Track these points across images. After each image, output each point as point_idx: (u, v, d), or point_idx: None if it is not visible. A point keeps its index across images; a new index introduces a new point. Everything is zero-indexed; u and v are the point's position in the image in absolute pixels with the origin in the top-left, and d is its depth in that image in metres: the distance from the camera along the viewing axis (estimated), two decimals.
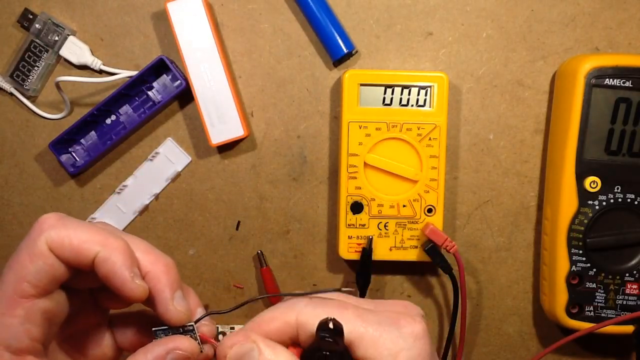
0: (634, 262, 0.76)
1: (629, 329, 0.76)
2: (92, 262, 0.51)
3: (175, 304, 0.55)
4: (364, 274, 0.79)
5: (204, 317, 0.58)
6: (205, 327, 0.58)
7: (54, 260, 0.50)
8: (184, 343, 0.54)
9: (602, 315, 0.77)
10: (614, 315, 0.77)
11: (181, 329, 0.56)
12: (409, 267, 0.81)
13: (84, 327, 0.58)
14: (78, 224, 0.52)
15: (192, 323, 0.57)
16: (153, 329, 0.56)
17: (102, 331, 0.59)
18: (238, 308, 0.60)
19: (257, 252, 0.83)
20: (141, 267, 0.54)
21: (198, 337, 0.56)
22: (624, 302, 0.77)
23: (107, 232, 0.52)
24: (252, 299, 0.62)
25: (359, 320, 0.51)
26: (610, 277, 0.77)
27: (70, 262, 0.51)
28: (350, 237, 0.78)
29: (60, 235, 0.50)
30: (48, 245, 0.50)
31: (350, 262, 0.83)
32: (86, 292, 0.57)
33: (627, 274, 0.76)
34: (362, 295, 0.80)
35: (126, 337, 0.59)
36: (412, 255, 0.78)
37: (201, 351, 0.56)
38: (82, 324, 0.58)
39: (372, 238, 0.77)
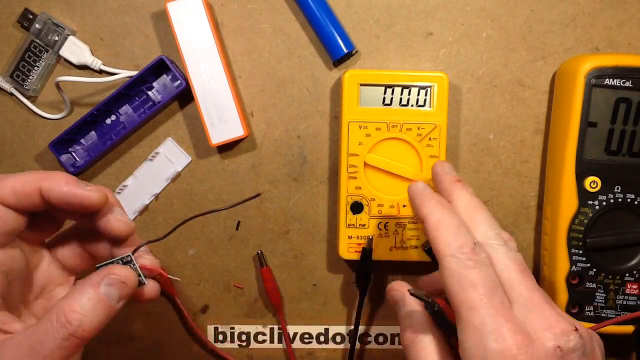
0: (634, 262, 0.76)
1: (629, 329, 0.76)
2: (41, 196, 0.55)
3: (116, 214, 0.59)
4: (364, 274, 0.79)
5: (140, 247, 0.61)
6: (146, 260, 0.61)
7: (2, 209, 0.55)
8: (118, 269, 0.57)
9: (602, 315, 0.77)
10: (614, 315, 0.77)
11: (120, 261, 0.59)
12: (409, 267, 0.81)
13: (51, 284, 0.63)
14: (16, 174, 0.56)
15: (129, 253, 0.59)
16: (96, 265, 0.60)
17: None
18: (172, 232, 0.62)
19: (257, 252, 0.83)
20: None
21: (138, 268, 0.59)
22: (624, 302, 0.77)
23: (41, 171, 0.58)
24: (186, 219, 0.63)
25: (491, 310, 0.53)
26: (610, 277, 0.76)
27: (21, 206, 0.55)
28: (350, 237, 0.78)
29: (2, 185, 0.55)
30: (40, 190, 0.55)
31: (350, 262, 0.83)
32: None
33: (627, 274, 0.76)
34: (363, 295, 0.80)
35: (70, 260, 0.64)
36: (412, 255, 0.78)
37: (142, 282, 0.59)
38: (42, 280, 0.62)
39: (372, 238, 0.77)
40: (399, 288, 0.68)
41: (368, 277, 0.80)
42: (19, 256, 0.58)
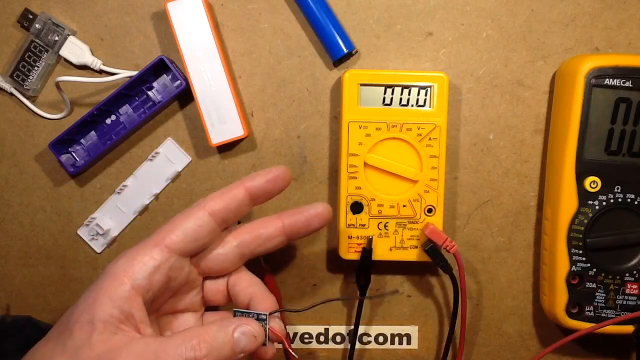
0: (634, 262, 0.77)
1: (629, 329, 0.76)
2: (249, 197, 0.67)
3: None
4: (364, 274, 0.79)
5: (277, 311, 0.66)
6: (275, 324, 0.66)
7: (207, 219, 0.64)
8: (254, 324, 0.62)
9: (602, 315, 0.77)
10: (614, 315, 0.77)
11: (256, 315, 0.64)
12: (409, 267, 0.81)
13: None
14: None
15: (266, 313, 0.64)
16: (234, 309, 0.65)
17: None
18: (312, 308, 0.67)
19: None
20: None
21: (267, 329, 0.64)
22: (624, 302, 0.77)
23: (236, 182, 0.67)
24: (328, 300, 0.71)
25: None
26: (610, 277, 0.77)
27: (228, 215, 0.65)
28: (350, 237, 0.78)
29: (214, 197, 0.66)
30: (207, 209, 0.64)
31: (350, 262, 0.82)
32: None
33: (627, 274, 0.76)
34: (363, 295, 0.80)
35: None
36: (412, 255, 0.78)
37: (265, 343, 0.64)
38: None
39: (372, 238, 0.77)
40: None
41: (368, 277, 0.80)
42: (186, 273, 0.66)
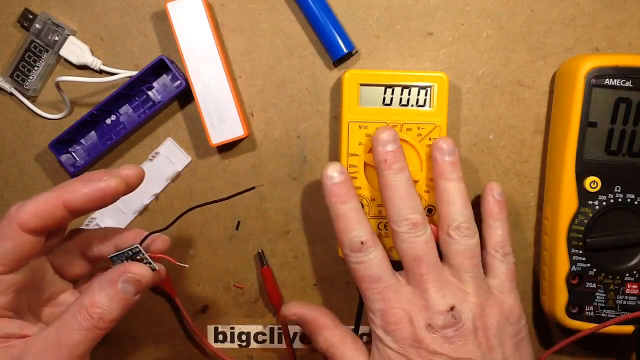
0: (634, 262, 0.76)
1: (629, 329, 0.76)
2: (65, 209, 0.59)
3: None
4: None
5: (145, 238, 0.64)
6: (159, 245, 0.67)
7: (25, 238, 0.58)
8: (134, 267, 0.62)
9: (602, 315, 0.77)
10: (614, 315, 0.77)
11: (130, 252, 0.63)
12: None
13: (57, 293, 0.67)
14: (32, 199, 0.59)
15: (137, 245, 0.63)
16: (109, 256, 0.65)
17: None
18: (175, 222, 0.66)
19: (258, 252, 0.83)
20: None
21: (148, 257, 0.64)
22: (624, 302, 0.77)
23: (53, 188, 0.60)
24: (190, 208, 0.68)
25: None
26: (610, 277, 0.76)
27: (45, 227, 0.59)
28: None
29: (26, 211, 0.58)
30: (18, 225, 0.58)
31: None
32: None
33: (627, 274, 0.76)
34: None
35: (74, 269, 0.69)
36: None
37: (154, 269, 0.64)
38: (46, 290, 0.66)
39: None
40: (295, 311, 0.76)
41: None
42: (29, 272, 0.62)
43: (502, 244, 0.72)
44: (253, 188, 0.72)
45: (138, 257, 0.64)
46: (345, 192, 0.70)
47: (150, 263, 0.64)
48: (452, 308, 0.64)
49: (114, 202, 0.62)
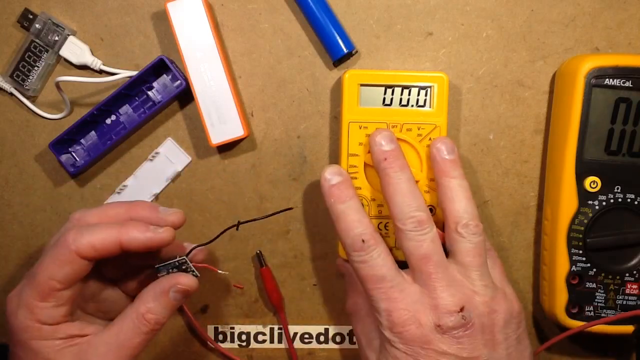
0: (634, 262, 0.77)
1: (629, 329, 0.76)
2: (120, 249, 0.64)
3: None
4: None
5: (192, 250, 0.69)
6: (199, 255, 0.71)
7: (81, 263, 0.63)
8: (183, 279, 0.67)
9: (602, 315, 0.77)
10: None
11: (177, 263, 0.68)
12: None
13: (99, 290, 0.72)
14: (92, 229, 0.64)
15: (184, 257, 0.68)
16: (155, 266, 0.68)
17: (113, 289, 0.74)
18: (218, 237, 0.70)
19: (257, 252, 0.83)
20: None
21: (192, 267, 0.68)
22: (624, 302, 0.77)
23: (115, 224, 0.65)
24: (234, 226, 0.72)
25: None
26: (610, 277, 0.77)
27: (99, 257, 0.64)
28: None
29: (86, 243, 0.62)
30: (76, 254, 0.62)
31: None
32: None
33: (627, 274, 0.76)
34: None
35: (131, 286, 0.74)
36: None
37: (197, 276, 0.69)
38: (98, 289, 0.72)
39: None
40: (347, 264, 0.76)
41: None
42: (84, 282, 0.67)
43: (471, 215, 0.70)
44: (291, 209, 0.79)
45: (183, 267, 0.68)
46: (344, 192, 0.70)
47: (194, 271, 0.68)
48: (461, 309, 0.64)
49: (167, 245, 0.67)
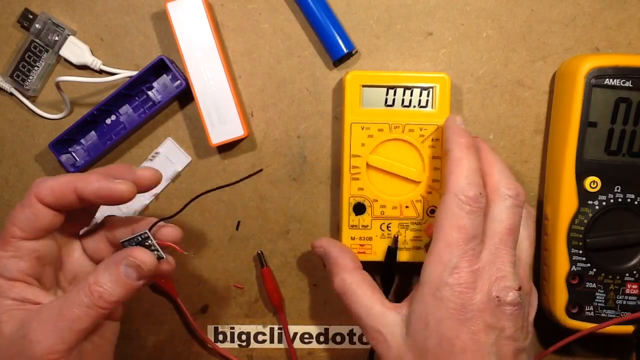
0: (634, 262, 0.77)
1: (629, 329, 0.77)
2: (76, 195, 0.62)
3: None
4: (389, 273, 0.80)
5: (155, 224, 0.65)
6: (167, 231, 0.67)
7: (40, 208, 0.62)
8: (137, 252, 0.63)
9: (602, 315, 0.77)
10: (614, 316, 0.77)
11: (139, 238, 0.64)
12: (410, 267, 0.81)
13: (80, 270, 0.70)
14: (54, 177, 0.63)
15: (146, 230, 0.64)
16: (121, 240, 0.65)
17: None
18: (183, 209, 0.68)
19: (257, 252, 0.83)
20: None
21: (155, 243, 0.64)
22: (624, 302, 0.77)
23: (77, 175, 0.63)
24: (199, 194, 0.69)
25: None
26: (610, 277, 0.77)
27: (59, 205, 0.62)
28: (352, 239, 0.78)
29: (44, 186, 0.62)
30: (35, 197, 0.62)
31: None
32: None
33: (627, 274, 0.77)
34: (386, 295, 0.80)
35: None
36: (415, 256, 0.78)
37: (161, 257, 0.65)
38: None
39: (397, 237, 0.78)
40: (323, 244, 0.77)
41: (393, 276, 0.80)
42: (53, 245, 0.65)
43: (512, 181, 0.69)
44: (260, 170, 0.78)
45: (147, 244, 0.64)
46: (472, 141, 0.70)
47: (158, 251, 0.64)
48: (519, 288, 0.64)
49: (123, 203, 0.65)
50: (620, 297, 0.77)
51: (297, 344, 0.86)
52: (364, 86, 0.76)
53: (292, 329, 0.85)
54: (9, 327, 0.60)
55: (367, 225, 0.78)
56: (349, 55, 0.80)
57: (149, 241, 0.64)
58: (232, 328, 0.85)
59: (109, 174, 0.64)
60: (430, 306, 0.64)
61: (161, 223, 0.66)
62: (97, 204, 0.68)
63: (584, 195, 0.75)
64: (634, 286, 0.77)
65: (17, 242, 0.62)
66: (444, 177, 0.68)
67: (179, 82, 0.79)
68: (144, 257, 0.63)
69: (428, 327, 0.63)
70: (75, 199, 0.62)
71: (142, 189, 0.65)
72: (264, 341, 0.86)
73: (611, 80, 0.74)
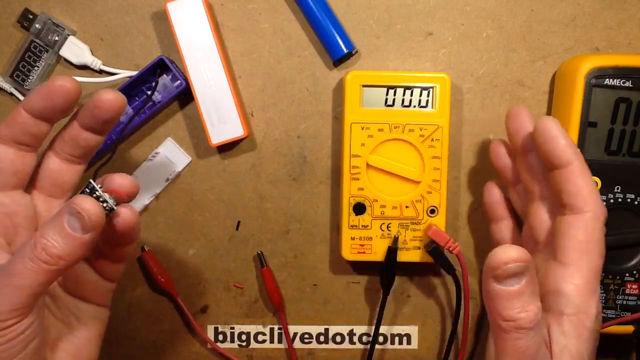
0: (634, 262, 0.77)
1: (629, 329, 0.77)
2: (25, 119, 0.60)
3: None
4: (389, 273, 0.80)
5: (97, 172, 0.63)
6: (120, 179, 0.62)
7: (25, 117, 0.60)
8: (79, 199, 0.55)
9: (602, 315, 0.77)
10: (614, 316, 0.77)
11: (86, 189, 0.57)
12: (411, 267, 0.81)
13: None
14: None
15: (90, 180, 0.58)
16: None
17: None
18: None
19: (258, 252, 0.83)
20: None
21: (103, 194, 0.57)
22: (624, 302, 0.77)
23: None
24: None
25: None
26: (610, 277, 0.77)
27: (43, 110, 0.61)
28: (352, 239, 0.78)
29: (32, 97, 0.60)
30: (22, 108, 0.60)
31: (351, 263, 0.83)
32: None
33: (627, 274, 0.77)
34: (386, 294, 0.80)
35: None
36: (415, 256, 0.78)
37: (109, 209, 0.58)
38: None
39: (397, 237, 0.78)
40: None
41: (393, 276, 0.80)
42: (27, 203, 0.62)
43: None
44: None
45: (94, 195, 0.57)
46: None
47: (106, 201, 0.58)
48: None
49: (69, 105, 0.63)
50: (620, 297, 0.77)
51: (297, 344, 0.86)
52: (364, 86, 0.76)
53: (292, 329, 0.85)
54: None
55: (367, 225, 0.78)
56: (349, 55, 0.80)
57: (96, 193, 0.57)
58: (232, 328, 0.85)
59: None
60: (587, 341, 0.61)
61: (111, 174, 0.62)
62: (48, 116, 0.62)
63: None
64: (634, 286, 0.77)
65: None
66: (569, 195, 0.63)
67: (179, 82, 0.79)
68: (86, 205, 0.55)
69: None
70: (33, 121, 0.61)
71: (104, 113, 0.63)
72: (264, 341, 0.86)
73: (611, 80, 0.74)
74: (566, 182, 0.63)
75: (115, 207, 0.59)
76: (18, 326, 0.55)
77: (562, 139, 0.63)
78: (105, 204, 0.57)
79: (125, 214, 0.61)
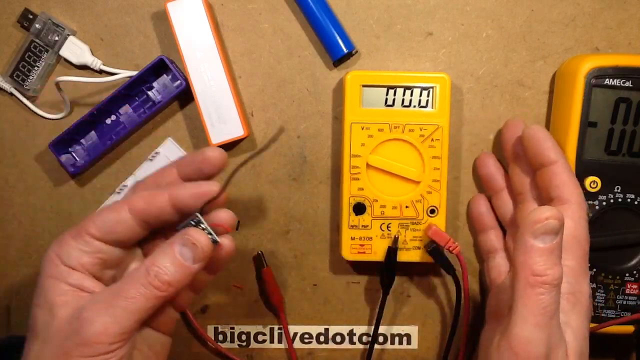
0: (634, 262, 0.77)
1: (629, 329, 0.77)
2: (170, 203, 0.62)
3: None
4: (389, 273, 0.80)
5: (207, 203, 0.63)
6: (223, 215, 0.66)
7: (126, 216, 0.62)
8: (192, 231, 0.62)
9: (602, 315, 0.77)
10: (614, 316, 0.77)
11: (192, 222, 0.63)
12: (411, 267, 0.81)
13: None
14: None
15: (195, 213, 0.63)
16: (176, 227, 0.64)
17: None
18: (227, 183, 0.66)
19: (258, 253, 0.83)
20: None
21: (208, 227, 0.63)
22: (624, 302, 0.77)
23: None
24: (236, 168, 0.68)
25: None
26: (610, 277, 0.77)
27: (146, 213, 0.62)
28: (353, 239, 0.78)
29: (138, 195, 0.63)
30: (127, 204, 0.62)
31: (351, 263, 0.83)
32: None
33: (627, 274, 0.77)
34: (386, 294, 0.81)
35: None
36: (415, 256, 0.78)
37: (214, 241, 0.63)
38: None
39: (397, 237, 0.78)
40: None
41: (393, 276, 0.80)
42: (118, 252, 0.64)
43: None
44: (282, 130, 0.80)
45: (201, 227, 0.63)
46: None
47: (211, 234, 0.63)
48: None
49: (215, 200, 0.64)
50: (620, 297, 0.77)
51: (297, 344, 0.86)
52: (364, 86, 0.76)
53: (292, 329, 0.85)
54: (64, 311, 0.59)
55: (367, 225, 0.78)
56: (349, 55, 0.80)
57: (202, 225, 0.63)
58: (232, 328, 0.85)
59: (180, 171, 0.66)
60: (586, 318, 0.69)
61: (216, 210, 0.66)
62: (188, 210, 0.64)
63: (584, 195, 0.75)
64: (634, 286, 0.77)
65: (88, 238, 0.61)
66: (556, 187, 0.71)
67: (179, 82, 0.79)
68: (199, 237, 0.61)
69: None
70: (171, 209, 0.63)
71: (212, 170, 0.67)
72: (264, 341, 0.86)
73: (611, 80, 0.74)
74: (553, 177, 0.71)
75: (218, 240, 0.63)
76: (119, 352, 0.59)
77: (548, 141, 0.72)
78: (210, 236, 0.63)
79: (228, 246, 0.65)
